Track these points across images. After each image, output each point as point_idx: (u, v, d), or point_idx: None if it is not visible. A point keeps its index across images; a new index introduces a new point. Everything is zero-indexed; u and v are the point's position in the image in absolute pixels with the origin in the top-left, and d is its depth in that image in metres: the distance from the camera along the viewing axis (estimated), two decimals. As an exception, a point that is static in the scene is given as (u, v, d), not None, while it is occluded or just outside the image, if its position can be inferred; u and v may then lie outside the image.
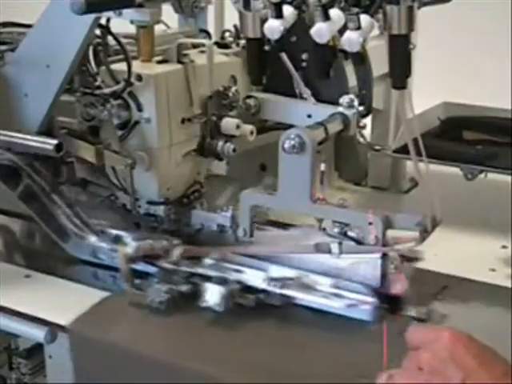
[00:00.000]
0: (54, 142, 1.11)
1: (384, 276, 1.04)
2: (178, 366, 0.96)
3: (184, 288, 1.06)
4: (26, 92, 1.16)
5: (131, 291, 1.07)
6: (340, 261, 1.05)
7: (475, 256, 1.23)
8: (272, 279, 1.06)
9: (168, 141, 1.14)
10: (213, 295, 1.03)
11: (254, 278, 1.07)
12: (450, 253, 1.23)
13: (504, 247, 1.27)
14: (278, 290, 1.05)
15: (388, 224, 1.03)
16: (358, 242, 1.05)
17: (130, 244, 1.11)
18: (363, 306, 1.03)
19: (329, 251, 1.06)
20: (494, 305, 1.10)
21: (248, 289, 1.06)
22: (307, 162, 1.04)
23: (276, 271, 1.08)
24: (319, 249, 1.07)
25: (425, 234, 1.03)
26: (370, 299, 1.03)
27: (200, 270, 1.09)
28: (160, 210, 1.17)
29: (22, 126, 1.16)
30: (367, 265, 1.04)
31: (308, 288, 1.06)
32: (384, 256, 1.04)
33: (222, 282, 1.05)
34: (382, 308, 1.04)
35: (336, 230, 1.06)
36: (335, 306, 1.04)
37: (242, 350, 0.98)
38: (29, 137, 1.14)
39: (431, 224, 1.04)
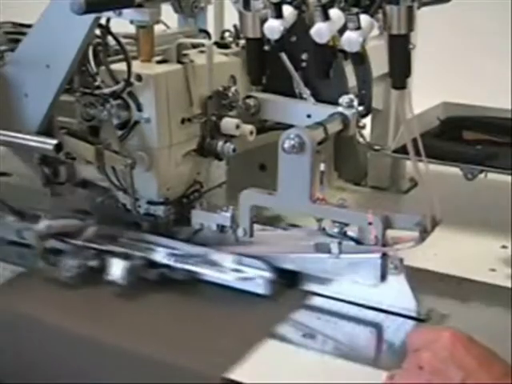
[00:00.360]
0: (54, 141, 1.11)
1: (384, 276, 1.05)
2: (81, 336, 1.02)
3: (93, 263, 1.13)
4: (26, 92, 1.16)
5: (45, 267, 1.13)
6: (339, 260, 1.06)
7: (475, 256, 1.23)
8: (173, 255, 1.12)
9: (168, 141, 1.14)
10: (117, 269, 1.10)
11: (158, 253, 1.12)
12: (450, 253, 1.23)
13: (504, 247, 1.27)
14: (178, 265, 1.11)
15: (388, 224, 1.03)
16: (358, 241, 1.05)
17: (43, 222, 1.16)
18: (258, 280, 1.08)
19: (328, 251, 1.06)
20: (494, 305, 1.10)
21: (154, 265, 1.12)
22: (307, 161, 1.04)
23: (184, 249, 1.13)
24: (319, 249, 1.07)
25: (424, 234, 1.04)
26: (266, 274, 1.08)
27: (108, 247, 1.14)
28: (160, 210, 1.17)
29: (21, 126, 1.16)
30: (367, 264, 1.04)
31: (211, 264, 1.11)
32: (384, 256, 1.04)
33: (126, 257, 1.11)
34: (280, 283, 1.09)
35: (335, 229, 1.06)
36: (230, 279, 1.09)
37: (142, 321, 1.04)
38: (28, 137, 1.14)
39: (431, 224, 1.04)
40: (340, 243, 1.05)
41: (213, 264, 1.11)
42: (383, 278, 1.05)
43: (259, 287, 1.09)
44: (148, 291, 1.09)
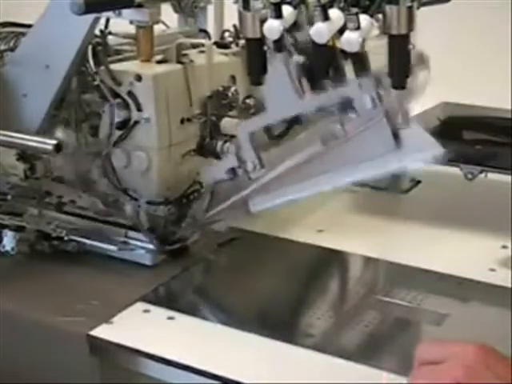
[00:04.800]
0: (54, 141, 1.11)
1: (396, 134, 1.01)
2: None
3: None
4: (26, 92, 1.16)
5: None
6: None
7: (475, 256, 1.22)
8: (65, 228, 1.18)
9: (167, 141, 1.14)
10: (9, 241, 1.18)
11: (50, 226, 1.19)
12: (450, 253, 1.23)
13: (504, 247, 1.27)
14: (69, 237, 1.18)
15: (378, 82, 1.03)
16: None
17: None
18: (140, 251, 1.17)
19: (333, 136, 1.04)
20: (493, 305, 1.10)
21: (49, 238, 1.19)
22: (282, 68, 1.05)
23: (76, 223, 1.21)
24: (325, 138, 1.05)
25: None
26: (150, 246, 1.16)
27: (5, 221, 1.20)
28: (159, 210, 1.17)
29: (21, 126, 1.16)
30: (374, 130, 1.02)
31: (101, 236, 1.19)
32: (387, 115, 1.01)
33: (19, 230, 1.19)
34: (164, 254, 1.18)
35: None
36: (114, 249, 1.17)
37: (28, 288, 1.12)
38: (28, 137, 1.14)
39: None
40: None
41: (103, 237, 1.19)
42: (396, 136, 1.01)
43: (142, 257, 1.17)
44: (41, 262, 1.18)
